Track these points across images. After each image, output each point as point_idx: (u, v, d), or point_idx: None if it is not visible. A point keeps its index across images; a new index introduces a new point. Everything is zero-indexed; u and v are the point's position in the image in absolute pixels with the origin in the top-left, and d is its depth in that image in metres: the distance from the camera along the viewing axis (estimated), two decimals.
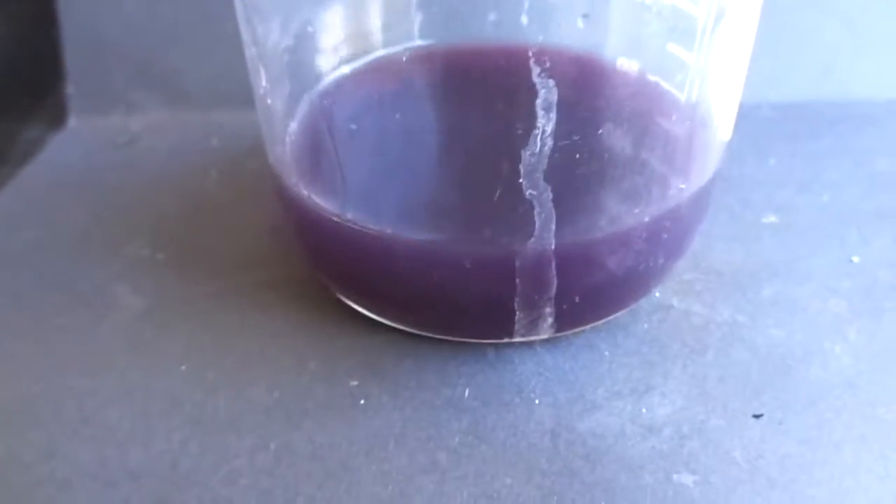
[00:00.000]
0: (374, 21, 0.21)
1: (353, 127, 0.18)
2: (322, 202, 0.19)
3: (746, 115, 0.30)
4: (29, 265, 0.23)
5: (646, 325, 0.21)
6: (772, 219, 0.24)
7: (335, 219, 0.18)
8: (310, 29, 0.20)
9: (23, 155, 0.30)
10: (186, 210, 0.26)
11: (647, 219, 0.18)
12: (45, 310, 0.21)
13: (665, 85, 0.19)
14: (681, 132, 0.18)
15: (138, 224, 0.25)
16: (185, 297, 0.22)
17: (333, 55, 0.21)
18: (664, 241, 0.19)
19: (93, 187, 0.27)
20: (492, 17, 0.22)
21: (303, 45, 0.20)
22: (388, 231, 0.17)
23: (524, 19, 0.17)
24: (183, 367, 0.20)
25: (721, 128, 0.20)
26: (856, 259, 0.23)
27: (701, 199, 0.19)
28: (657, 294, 0.21)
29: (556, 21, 0.19)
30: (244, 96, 0.31)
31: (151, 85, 0.32)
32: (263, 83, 0.19)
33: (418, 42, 0.21)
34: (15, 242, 0.24)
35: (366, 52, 0.21)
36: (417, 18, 0.21)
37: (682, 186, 0.18)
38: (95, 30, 0.32)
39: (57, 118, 0.31)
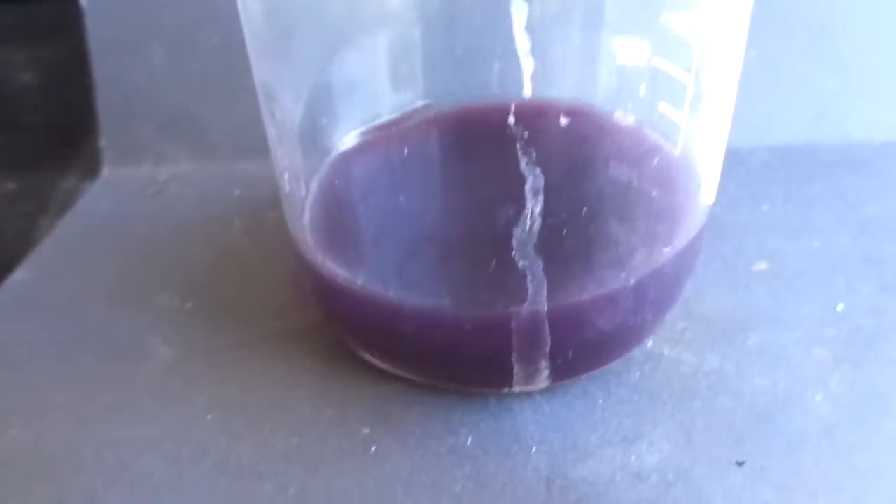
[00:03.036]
0: (382, 84, 0.23)
1: (359, 201, 0.20)
2: (335, 268, 0.20)
3: (743, 160, 0.32)
4: (69, 317, 0.25)
5: (638, 374, 0.22)
6: (762, 266, 0.26)
7: (347, 284, 0.20)
8: (320, 100, 0.22)
9: (61, 205, 0.32)
10: (212, 259, 0.28)
11: (632, 281, 0.19)
12: (86, 361, 0.23)
13: (649, 149, 0.21)
14: (663, 201, 0.19)
15: (168, 274, 0.27)
16: (212, 348, 0.24)
17: (341, 125, 0.23)
18: (651, 299, 0.20)
19: (125, 237, 0.29)
20: (496, 67, 0.23)
21: (312, 119, 0.22)
22: (396, 296, 0.19)
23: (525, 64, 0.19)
24: (209, 417, 0.21)
25: (705, 191, 0.21)
26: (840, 307, 0.24)
27: (685, 258, 0.21)
28: (650, 343, 0.23)
29: (554, 73, 0.21)
30: (265, 147, 0.33)
31: (179, 136, 0.34)
32: (280, 157, 0.21)
33: (422, 103, 0.23)
34: (55, 294, 0.26)
35: (374, 118, 0.23)
36: (423, 76, 0.23)
37: (666, 250, 0.19)
38: (126, 83, 0.34)
39: (91, 169, 0.34)
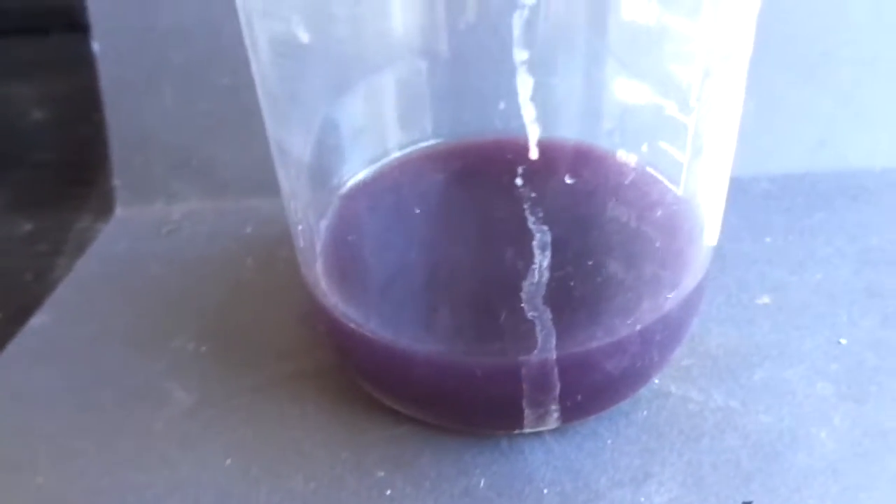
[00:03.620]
0: (390, 122, 0.24)
1: (369, 247, 0.20)
2: (348, 312, 0.21)
3: (744, 189, 0.32)
4: (88, 362, 0.26)
5: (645, 413, 0.22)
6: (765, 300, 0.26)
7: (360, 329, 0.21)
8: (327, 143, 0.23)
9: (77, 246, 0.33)
10: (225, 300, 0.28)
11: (639, 327, 0.20)
12: (106, 407, 0.24)
13: (655, 195, 0.21)
14: (669, 246, 0.20)
15: (183, 316, 0.28)
16: (228, 392, 0.24)
17: (348, 166, 0.24)
18: (658, 342, 0.21)
19: (140, 278, 0.30)
20: (502, 105, 0.24)
21: (321, 163, 0.23)
22: (408, 343, 0.20)
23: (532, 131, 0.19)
24: (228, 461, 0.22)
25: (709, 232, 0.22)
26: (843, 341, 0.24)
27: (691, 301, 0.21)
28: (657, 381, 0.23)
29: (558, 111, 0.21)
30: (274, 184, 0.34)
31: (190, 175, 0.34)
32: (291, 202, 0.22)
33: (430, 142, 0.24)
34: (74, 338, 0.27)
35: (381, 157, 0.24)
36: (431, 114, 0.23)
37: (670, 296, 0.20)
38: (138, 123, 0.35)
39: (105, 208, 0.34)
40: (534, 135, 0.15)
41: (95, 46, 0.34)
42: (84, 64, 0.38)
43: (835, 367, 0.23)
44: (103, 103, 0.34)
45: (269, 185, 0.34)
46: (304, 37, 0.16)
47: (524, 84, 0.15)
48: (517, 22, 0.14)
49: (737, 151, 0.23)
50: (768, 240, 0.29)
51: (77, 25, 0.53)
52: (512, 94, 0.24)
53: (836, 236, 0.29)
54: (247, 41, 0.19)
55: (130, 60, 0.34)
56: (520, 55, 0.15)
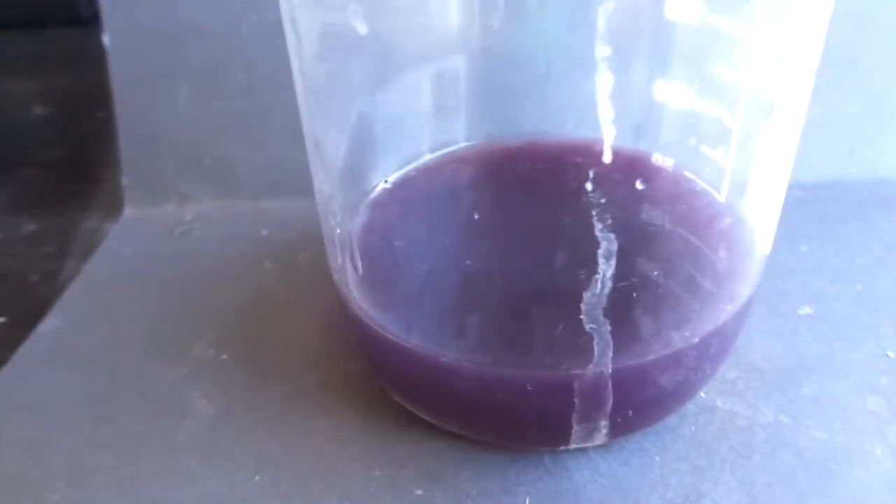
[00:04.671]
0: (426, 120, 0.23)
1: (408, 254, 0.19)
2: (385, 323, 0.20)
3: None
4: (103, 369, 0.25)
5: (693, 428, 0.22)
6: (807, 310, 0.25)
7: (398, 342, 0.20)
8: (369, 139, 0.22)
9: (84, 247, 0.31)
10: (245, 305, 0.27)
11: (696, 339, 0.19)
12: (126, 418, 0.23)
13: (715, 206, 0.20)
14: (728, 258, 0.19)
15: (201, 321, 0.27)
16: (254, 403, 0.23)
17: (383, 166, 0.23)
18: (711, 355, 0.20)
19: (153, 281, 0.29)
20: (534, 104, 0.23)
21: (356, 158, 0.22)
22: (451, 356, 0.19)
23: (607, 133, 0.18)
24: (257, 478, 0.21)
25: (762, 242, 0.21)
26: (891, 353, 0.24)
27: (744, 312, 0.20)
28: (702, 395, 0.22)
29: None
30: (291, 185, 0.32)
31: (203, 175, 0.33)
32: (329, 207, 0.21)
33: (472, 143, 0.23)
34: (87, 343, 0.26)
35: (416, 157, 0.23)
36: (465, 114, 0.22)
37: (728, 308, 0.19)
38: (149, 121, 0.33)
39: (113, 208, 0.33)
40: (609, 137, 0.14)
41: (106, 41, 0.33)
42: (86, 59, 0.37)
43: (884, 380, 0.23)
44: (113, 99, 0.33)
45: (284, 186, 0.33)
46: (361, 28, 0.15)
47: (604, 82, 0.14)
48: (602, 15, 0.13)
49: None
50: (804, 248, 0.28)
51: (78, 20, 0.51)
52: (545, 94, 0.23)
53: (874, 245, 0.28)
54: (288, 34, 0.18)
55: (143, 57, 0.33)
56: (602, 51, 0.14)
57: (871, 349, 0.24)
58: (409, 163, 0.22)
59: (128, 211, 0.33)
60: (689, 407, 0.22)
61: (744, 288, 0.20)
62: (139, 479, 0.21)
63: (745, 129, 0.20)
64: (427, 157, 0.22)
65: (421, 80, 0.21)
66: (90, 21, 0.42)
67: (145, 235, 0.32)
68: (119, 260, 0.30)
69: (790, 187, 0.32)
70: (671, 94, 0.21)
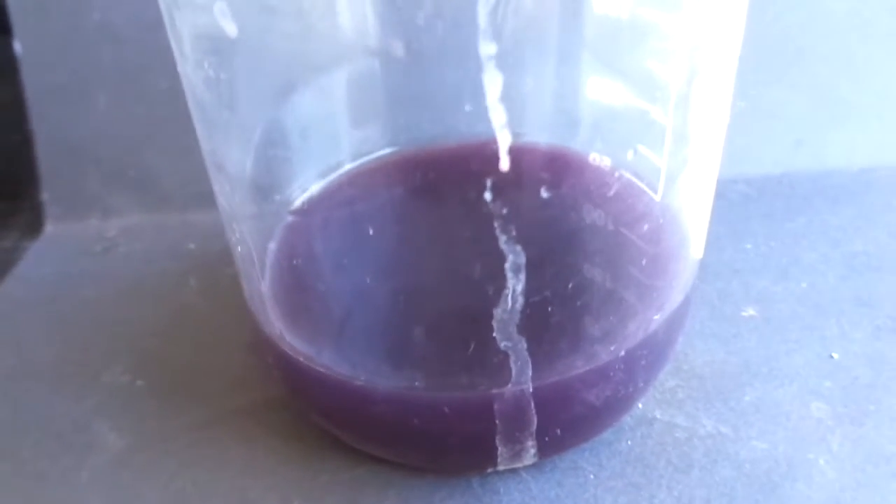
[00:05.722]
0: (341, 129, 0.22)
1: (319, 270, 0.18)
2: (297, 344, 0.19)
3: (722, 193, 0.30)
4: (5, 399, 0.23)
5: (629, 443, 0.21)
6: (751, 312, 0.25)
7: (311, 362, 0.18)
8: (272, 153, 0.20)
9: (1, 266, 0.29)
10: (165, 326, 0.26)
11: (622, 353, 0.18)
12: (25, 453, 0.21)
13: (641, 209, 0.19)
14: (653, 264, 0.18)
15: (117, 344, 0.25)
16: (166, 433, 0.21)
17: (299, 176, 0.21)
18: (643, 367, 0.19)
19: (70, 302, 0.27)
20: (468, 108, 0.22)
21: (264, 177, 0.20)
22: (366, 378, 0.17)
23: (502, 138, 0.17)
24: None
25: (694, 245, 0.20)
26: (836, 355, 0.23)
27: (677, 319, 0.19)
28: (640, 406, 0.21)
29: (529, 113, 0.19)
30: None
31: (127, 187, 0.31)
32: (232, 226, 0.19)
33: (387, 151, 0.21)
34: None
35: (334, 168, 0.22)
36: (387, 119, 0.21)
37: (657, 317, 0.18)
38: (68, 132, 0.32)
39: (33, 225, 0.31)
40: (504, 142, 0.13)
41: (17, 48, 0.31)
42: (12, 68, 0.35)
43: (828, 384, 0.22)
44: (28, 112, 0.31)
45: (213, 198, 0.31)
46: (230, 29, 0.14)
47: (492, 82, 0.13)
48: (482, 11, 0.12)
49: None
50: (749, 246, 0.27)
51: (5, 27, 0.49)
52: (478, 96, 0.22)
53: (820, 241, 0.27)
54: (170, 37, 0.17)
55: (57, 65, 0.31)
56: (487, 49, 0.12)
57: (816, 351, 0.23)
58: (324, 175, 0.21)
59: (49, 228, 0.31)
60: (627, 419, 0.21)
61: (674, 295, 0.19)
62: None
63: (675, 125, 0.19)
64: (343, 168, 0.21)
65: (332, 87, 0.20)
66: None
67: (65, 253, 0.30)
68: (34, 280, 0.29)
69: (735, 182, 0.31)
70: (603, 90, 0.19)
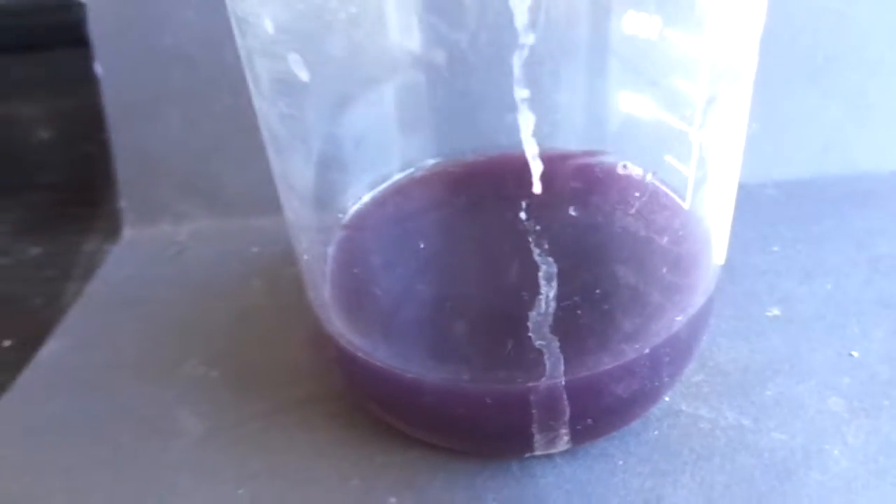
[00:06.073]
0: (392, 141, 0.24)
1: (372, 274, 0.20)
2: (354, 340, 0.21)
3: (751, 196, 0.32)
4: (101, 390, 0.26)
5: (656, 432, 0.22)
6: (775, 312, 0.26)
7: (367, 357, 0.21)
8: (330, 165, 0.23)
9: (85, 269, 0.33)
10: (233, 323, 0.28)
11: (647, 350, 0.19)
12: (121, 437, 0.24)
13: (662, 218, 0.21)
14: (676, 270, 0.20)
15: (192, 340, 0.28)
16: (239, 419, 0.24)
17: (351, 192, 0.24)
18: (667, 364, 0.21)
19: (149, 302, 0.30)
20: (508, 119, 0.24)
21: (324, 189, 0.23)
22: (415, 372, 0.20)
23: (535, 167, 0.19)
24: (240, 491, 0.22)
25: (716, 251, 0.22)
26: (855, 353, 0.24)
27: (699, 321, 0.21)
28: (667, 399, 0.23)
29: (565, 128, 0.21)
30: (279, 202, 0.34)
31: (196, 195, 0.34)
32: (298, 235, 0.22)
33: (434, 161, 0.24)
34: (86, 366, 0.27)
35: (384, 179, 0.24)
36: (433, 132, 0.23)
37: (678, 318, 0.20)
38: (143, 145, 0.35)
39: (113, 230, 0.35)
40: (537, 170, 0.15)
41: (98, 68, 0.34)
42: (88, 81, 0.38)
43: (847, 380, 0.23)
44: (108, 127, 0.35)
45: (274, 204, 0.34)
46: (303, 75, 0.16)
47: (526, 121, 0.15)
48: (517, 62, 0.14)
49: (742, 158, 0.23)
50: (776, 249, 0.29)
51: (81, 41, 0.53)
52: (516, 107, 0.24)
53: (845, 244, 0.29)
54: (248, 78, 0.19)
55: (134, 81, 0.34)
56: (521, 93, 0.14)
57: (836, 349, 0.24)
58: (376, 185, 0.23)
59: (126, 232, 0.35)
60: (654, 411, 0.23)
61: (695, 298, 0.20)
62: (132, 496, 0.22)
63: (702, 137, 0.21)
64: (394, 178, 0.23)
65: (384, 103, 0.22)
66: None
67: (142, 256, 0.33)
68: (117, 282, 0.32)
69: (765, 186, 0.33)
70: (634, 105, 0.21)
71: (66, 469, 0.23)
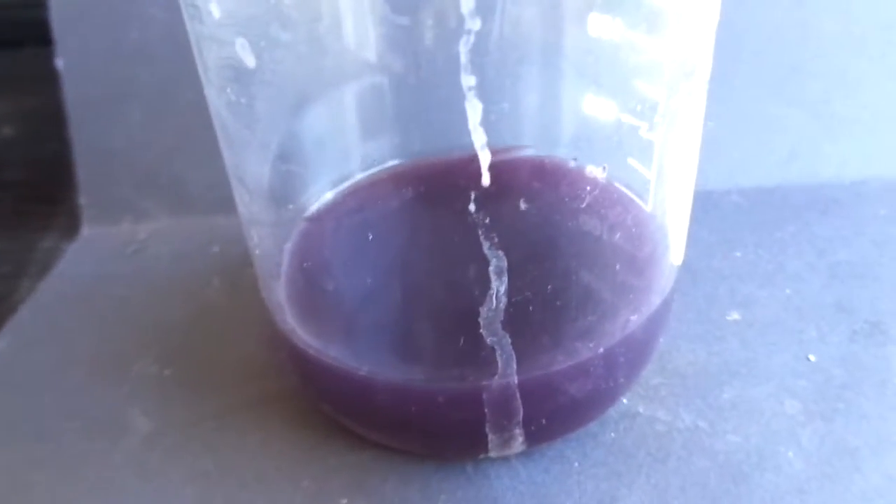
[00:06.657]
0: (350, 143, 0.24)
1: (327, 273, 0.20)
2: (307, 339, 0.21)
3: (716, 203, 0.32)
4: (49, 389, 0.25)
5: (613, 434, 0.22)
6: (735, 316, 0.26)
7: (320, 355, 0.20)
8: (286, 166, 0.22)
9: (41, 266, 0.32)
10: (190, 321, 0.28)
11: (601, 350, 0.19)
12: (66, 437, 0.23)
13: (615, 216, 0.21)
14: (630, 269, 0.20)
15: (146, 338, 0.27)
16: (189, 418, 0.24)
17: (311, 186, 0.23)
18: (623, 364, 0.20)
19: (105, 300, 0.30)
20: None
21: (279, 186, 0.22)
22: (367, 370, 0.19)
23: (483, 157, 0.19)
24: (188, 490, 0.21)
25: (673, 251, 0.22)
26: (812, 357, 0.24)
27: (656, 322, 0.21)
28: (625, 401, 0.23)
29: (523, 128, 0.21)
30: None
31: (157, 193, 0.34)
32: (252, 231, 0.21)
33: (393, 162, 0.23)
34: (34, 363, 0.26)
35: (343, 179, 0.24)
36: (393, 133, 0.23)
37: (633, 318, 0.20)
38: (104, 141, 0.34)
39: (71, 227, 0.34)
40: (485, 160, 0.15)
41: (59, 63, 0.33)
42: (54, 79, 0.38)
43: (803, 384, 0.23)
44: (68, 122, 0.34)
45: (235, 203, 0.34)
46: (249, 61, 0.16)
47: (473, 109, 0.14)
48: (463, 49, 0.14)
49: (707, 165, 0.23)
50: (738, 254, 0.29)
51: (47, 39, 0.52)
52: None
53: (806, 250, 0.29)
54: (198, 65, 0.19)
55: (96, 79, 0.34)
56: (468, 81, 0.14)
57: (794, 353, 0.24)
58: (335, 185, 0.23)
59: (85, 230, 0.34)
60: (611, 413, 0.23)
61: (651, 298, 0.20)
62: (74, 497, 0.21)
63: (657, 135, 0.20)
64: (352, 179, 0.23)
65: (342, 105, 0.22)
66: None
67: (100, 254, 0.32)
68: (73, 279, 0.31)
69: (729, 193, 0.33)
70: (595, 107, 0.21)
71: (5, 467, 0.22)
